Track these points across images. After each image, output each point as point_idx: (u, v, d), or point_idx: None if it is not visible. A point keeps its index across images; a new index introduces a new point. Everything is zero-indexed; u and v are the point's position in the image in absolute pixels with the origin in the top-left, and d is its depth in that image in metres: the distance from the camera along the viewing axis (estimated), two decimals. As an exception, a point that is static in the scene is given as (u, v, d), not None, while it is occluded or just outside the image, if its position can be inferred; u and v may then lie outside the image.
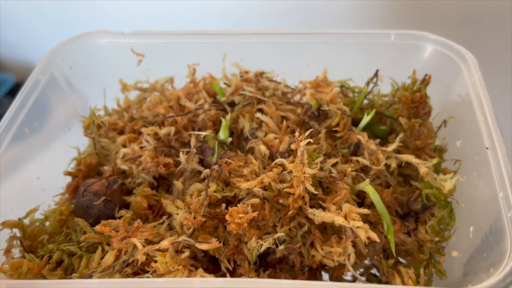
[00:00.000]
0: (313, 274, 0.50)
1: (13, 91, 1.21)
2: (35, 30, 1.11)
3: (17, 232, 0.49)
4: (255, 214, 0.44)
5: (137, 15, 0.98)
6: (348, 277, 0.51)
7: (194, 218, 0.45)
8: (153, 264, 0.42)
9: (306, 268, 0.50)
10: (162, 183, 0.54)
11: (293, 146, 0.48)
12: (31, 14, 1.06)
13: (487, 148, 0.44)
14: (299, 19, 0.89)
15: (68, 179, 0.56)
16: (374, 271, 0.52)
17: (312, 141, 0.48)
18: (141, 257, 0.43)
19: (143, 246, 0.43)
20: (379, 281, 0.50)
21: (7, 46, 1.17)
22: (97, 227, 0.44)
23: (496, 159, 0.43)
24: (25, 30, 1.11)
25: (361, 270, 0.52)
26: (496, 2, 0.80)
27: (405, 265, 0.50)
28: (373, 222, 0.49)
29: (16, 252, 0.49)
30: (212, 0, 0.92)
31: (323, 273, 0.51)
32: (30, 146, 0.55)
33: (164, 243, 0.43)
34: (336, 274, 0.49)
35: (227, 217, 0.44)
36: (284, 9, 0.89)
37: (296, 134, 0.49)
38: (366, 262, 0.53)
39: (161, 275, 0.42)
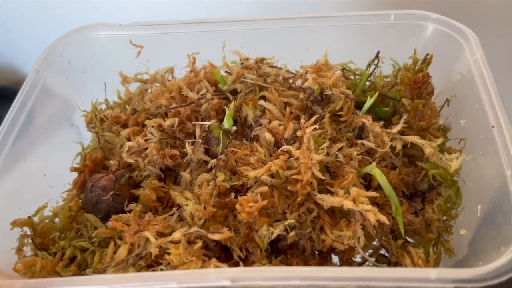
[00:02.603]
0: (323, 258, 0.50)
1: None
2: (15, 31, 1.10)
3: (27, 230, 0.49)
4: (265, 202, 0.45)
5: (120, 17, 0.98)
6: (358, 259, 0.52)
7: (205, 208, 0.46)
8: (166, 256, 0.42)
9: (316, 252, 0.50)
10: (168, 174, 0.54)
11: (299, 133, 0.49)
12: (9, 14, 1.05)
13: (493, 127, 0.45)
14: (296, 4, 0.88)
15: (74, 174, 0.56)
16: (383, 251, 0.53)
17: (318, 127, 0.48)
18: (154, 250, 0.43)
19: (156, 238, 0.43)
20: (389, 262, 0.51)
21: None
22: (110, 223, 0.44)
23: (503, 137, 0.43)
24: (5, 31, 1.10)
25: (370, 251, 0.53)
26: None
27: (413, 245, 0.50)
28: (380, 204, 0.50)
29: (28, 250, 0.49)
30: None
31: (332, 256, 0.52)
32: (34, 144, 0.54)
33: (177, 235, 0.43)
34: (347, 257, 0.50)
35: (237, 206, 0.45)
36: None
37: (302, 121, 0.49)
38: (375, 243, 0.53)
39: (175, 267, 0.42)
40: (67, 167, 0.56)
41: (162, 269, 0.43)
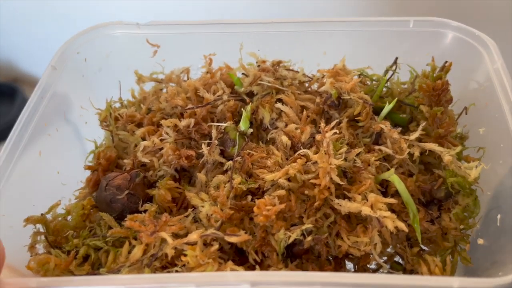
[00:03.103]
0: (338, 263, 0.50)
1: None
2: (13, 28, 1.09)
3: (40, 227, 0.49)
4: (282, 206, 0.44)
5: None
6: (372, 266, 0.52)
7: (222, 210, 0.45)
8: (183, 258, 0.42)
9: (330, 258, 0.50)
10: (183, 175, 0.54)
11: (318, 137, 0.48)
12: (7, 11, 1.05)
13: (515, 136, 0.44)
14: (315, 7, 0.88)
15: (87, 172, 0.56)
16: (397, 258, 0.52)
17: (337, 131, 0.48)
18: (170, 251, 0.42)
19: (172, 240, 0.43)
20: (404, 269, 0.50)
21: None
22: (127, 223, 0.44)
23: (525, 147, 0.43)
24: (2, 27, 1.10)
25: (385, 258, 0.52)
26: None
27: (429, 253, 0.50)
28: (396, 211, 0.50)
29: (40, 248, 0.49)
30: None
31: (346, 262, 0.51)
32: (49, 140, 0.54)
33: (193, 237, 0.43)
34: (362, 264, 0.49)
35: (255, 209, 0.44)
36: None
37: (322, 125, 0.49)
38: (389, 250, 0.53)
39: (191, 269, 0.42)
40: (80, 164, 0.56)
41: (177, 271, 0.43)
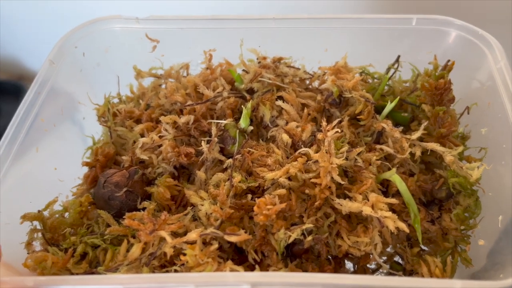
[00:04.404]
0: (338, 263, 0.50)
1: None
2: (17, 24, 1.08)
3: (37, 224, 0.48)
4: (283, 205, 0.44)
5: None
6: (372, 265, 0.51)
7: (222, 209, 0.45)
8: (182, 257, 0.41)
9: (330, 257, 0.50)
10: (182, 172, 0.53)
11: (320, 136, 0.48)
12: (11, 8, 1.04)
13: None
14: (317, 3, 0.87)
15: (85, 169, 0.55)
16: (397, 258, 0.52)
17: (339, 131, 0.47)
18: (169, 250, 0.42)
19: (171, 238, 0.42)
20: (403, 269, 0.50)
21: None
22: (125, 221, 0.43)
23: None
24: (7, 24, 1.09)
25: (384, 258, 0.52)
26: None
27: (429, 253, 0.50)
28: (397, 211, 0.49)
29: (37, 245, 0.48)
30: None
31: (346, 261, 0.51)
32: (46, 136, 0.53)
33: (192, 236, 0.42)
34: (362, 263, 0.49)
35: (255, 208, 0.44)
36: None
37: (324, 124, 0.48)
38: (389, 250, 0.53)
39: (191, 268, 0.41)
40: (78, 160, 0.55)
41: (176, 270, 0.42)
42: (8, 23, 1.10)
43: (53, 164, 0.54)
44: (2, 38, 1.14)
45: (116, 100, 0.60)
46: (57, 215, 0.50)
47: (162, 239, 0.43)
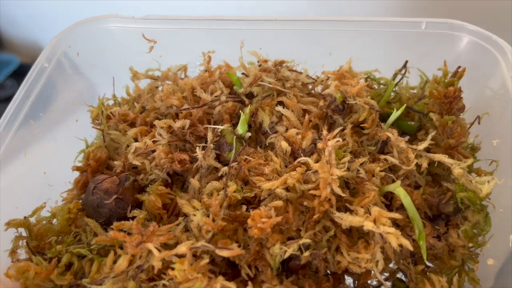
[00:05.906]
0: (337, 279, 0.47)
1: (18, 73, 1.17)
2: (40, 10, 1.06)
3: (23, 231, 0.46)
4: (279, 218, 0.41)
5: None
6: (374, 282, 0.49)
7: (214, 221, 0.42)
8: (170, 272, 0.39)
9: (329, 272, 0.47)
10: (176, 179, 0.51)
11: (320, 145, 0.45)
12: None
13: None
14: (321, 5, 0.84)
15: (76, 173, 0.53)
16: (400, 275, 0.49)
17: (341, 140, 0.45)
18: (157, 264, 0.40)
19: (159, 251, 0.40)
20: (407, 287, 0.47)
21: (12, 25, 1.13)
22: (110, 233, 0.41)
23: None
24: (31, 9, 1.07)
25: (387, 274, 0.49)
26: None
27: (434, 271, 0.47)
28: (401, 225, 0.47)
29: (22, 252, 0.46)
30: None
31: (346, 276, 0.48)
32: (36, 138, 0.51)
33: (182, 248, 0.40)
34: (362, 281, 0.46)
35: (249, 221, 0.41)
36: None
37: (324, 132, 0.46)
38: (391, 265, 0.50)
39: (179, 283, 0.39)
40: (69, 164, 0.53)
41: (164, 285, 0.40)
42: (30, 8, 1.06)
43: (42, 168, 0.52)
44: (25, 23, 1.12)
45: (111, 102, 0.58)
46: (44, 222, 0.48)
47: (151, 251, 0.41)
